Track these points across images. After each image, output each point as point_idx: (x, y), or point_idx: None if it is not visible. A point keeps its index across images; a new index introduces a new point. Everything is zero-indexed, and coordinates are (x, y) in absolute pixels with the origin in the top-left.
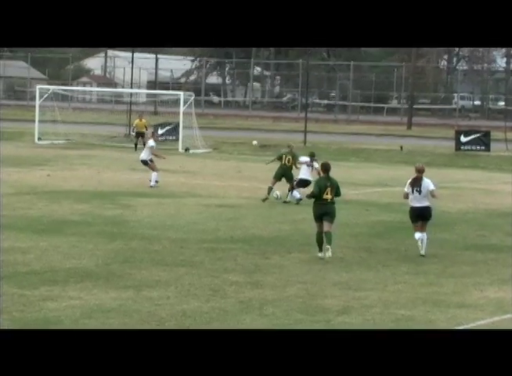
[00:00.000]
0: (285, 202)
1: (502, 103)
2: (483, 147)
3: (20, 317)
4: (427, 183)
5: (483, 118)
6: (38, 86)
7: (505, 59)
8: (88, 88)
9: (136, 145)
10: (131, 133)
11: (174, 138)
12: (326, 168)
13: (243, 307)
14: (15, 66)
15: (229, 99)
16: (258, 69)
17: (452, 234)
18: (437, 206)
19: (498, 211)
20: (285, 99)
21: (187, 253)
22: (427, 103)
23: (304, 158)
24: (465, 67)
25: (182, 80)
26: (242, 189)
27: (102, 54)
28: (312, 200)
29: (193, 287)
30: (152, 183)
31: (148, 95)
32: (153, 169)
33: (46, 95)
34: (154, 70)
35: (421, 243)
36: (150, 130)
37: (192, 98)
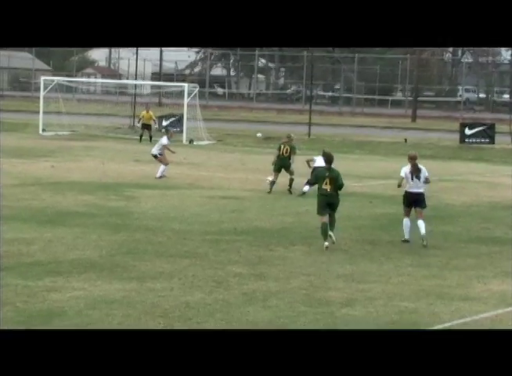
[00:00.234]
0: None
1: (507, 96)
2: (487, 140)
3: (24, 308)
4: (423, 171)
5: (488, 111)
6: (43, 77)
7: (510, 52)
8: (92, 80)
9: (141, 136)
10: (137, 125)
11: (178, 129)
12: (328, 159)
13: (247, 299)
14: (19, 57)
15: (234, 90)
16: (263, 61)
17: (455, 227)
18: (441, 199)
19: (502, 204)
20: (289, 91)
21: (191, 245)
22: (431, 96)
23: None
24: (470, 60)
25: (187, 71)
26: (246, 181)
27: None
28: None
29: (197, 278)
30: (158, 174)
31: (152, 86)
32: (162, 162)
33: (51, 87)
34: (159, 62)
35: (407, 228)
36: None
37: (197, 90)
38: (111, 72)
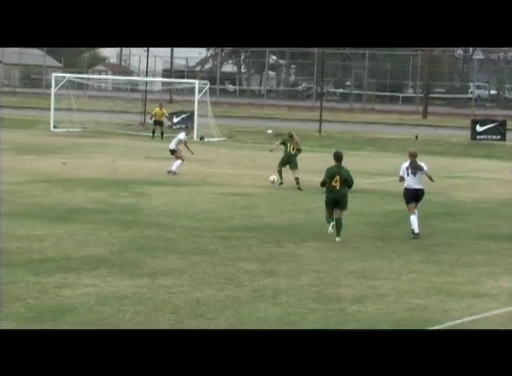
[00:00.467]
0: (299, 189)
1: None
2: (499, 137)
3: (35, 304)
4: (422, 166)
5: (499, 108)
6: (54, 74)
7: None
8: (103, 77)
9: (154, 132)
10: (149, 121)
11: (189, 126)
12: (337, 157)
13: (257, 295)
14: (31, 54)
15: (244, 87)
16: (273, 58)
17: (466, 224)
18: (451, 195)
19: None
20: (300, 87)
21: (201, 241)
22: (442, 92)
23: None
24: (481, 56)
25: (197, 68)
26: (256, 177)
27: None
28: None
29: (207, 275)
30: (173, 168)
31: (163, 83)
32: (178, 157)
33: (62, 83)
34: (169, 59)
35: (415, 223)
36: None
37: (208, 86)
38: (122, 69)
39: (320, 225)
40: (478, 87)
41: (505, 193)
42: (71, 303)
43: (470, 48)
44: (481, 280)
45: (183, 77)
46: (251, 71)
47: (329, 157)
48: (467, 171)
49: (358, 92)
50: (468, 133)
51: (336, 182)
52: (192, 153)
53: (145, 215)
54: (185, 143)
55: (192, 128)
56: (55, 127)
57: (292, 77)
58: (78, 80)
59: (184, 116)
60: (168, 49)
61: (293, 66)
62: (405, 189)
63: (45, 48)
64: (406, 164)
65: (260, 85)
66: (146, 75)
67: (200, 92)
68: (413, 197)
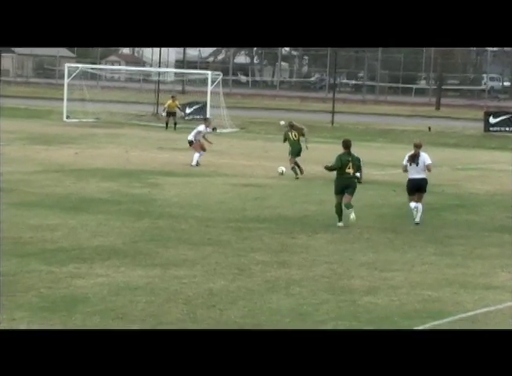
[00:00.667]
0: (297, 178)
1: None
2: None
3: (48, 294)
4: (425, 157)
5: None
6: (67, 65)
7: None
8: (116, 67)
9: (167, 123)
10: (162, 113)
11: (201, 117)
12: (346, 144)
13: (270, 286)
14: None
15: (257, 78)
16: (286, 49)
17: (479, 216)
18: (465, 187)
19: None
20: (313, 79)
21: (214, 232)
22: (455, 84)
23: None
24: (495, 48)
25: (210, 59)
26: (269, 168)
27: None
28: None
29: (220, 266)
30: (193, 162)
31: (176, 74)
32: (196, 150)
33: (75, 74)
34: (182, 49)
35: (416, 211)
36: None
37: (220, 77)
38: (135, 59)
39: (332, 216)
40: (492, 78)
41: None
42: (84, 293)
43: None
44: (494, 272)
45: (196, 68)
46: (264, 62)
47: (341, 149)
48: (480, 163)
49: (371, 83)
50: (481, 125)
51: (349, 168)
52: (211, 143)
53: (157, 206)
54: (204, 135)
55: (211, 119)
56: (68, 117)
57: (305, 69)
58: (91, 70)
59: (196, 107)
60: None
61: (306, 57)
62: (409, 179)
63: None
64: (410, 153)
65: (273, 76)
66: (159, 66)
67: (212, 82)
68: (417, 186)
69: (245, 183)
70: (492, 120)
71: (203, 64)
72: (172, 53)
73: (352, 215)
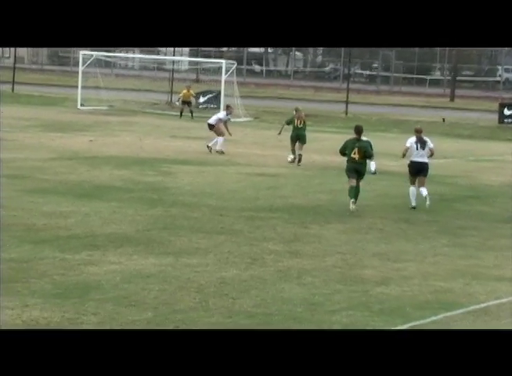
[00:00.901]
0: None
1: None
2: None
3: (61, 281)
4: (428, 141)
5: None
6: (82, 52)
7: None
8: (130, 55)
9: (182, 112)
10: (176, 103)
11: (215, 106)
12: (357, 130)
13: (282, 276)
14: None
15: (271, 68)
16: None
17: (492, 207)
18: (478, 179)
19: None
20: (327, 69)
21: (226, 221)
22: (470, 75)
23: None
24: None
25: (225, 48)
26: (282, 158)
27: None
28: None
29: (232, 254)
30: (218, 147)
31: (190, 62)
32: (217, 133)
33: (89, 62)
34: None
35: (413, 196)
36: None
37: (234, 66)
38: (149, 48)
39: (345, 206)
40: (507, 70)
41: None
42: (96, 280)
43: None
44: (507, 264)
45: (210, 57)
46: (278, 52)
47: None
48: (494, 154)
49: (385, 74)
50: (496, 116)
51: (354, 154)
52: (230, 134)
53: (170, 194)
54: (225, 123)
55: (232, 108)
56: (82, 105)
57: (319, 58)
58: (106, 58)
59: (210, 96)
60: None
61: (320, 47)
62: (411, 161)
63: None
64: (412, 139)
65: (287, 66)
66: (173, 54)
67: (226, 71)
68: (419, 169)
69: (258, 173)
70: (506, 111)
71: (218, 53)
72: None
73: (352, 206)
